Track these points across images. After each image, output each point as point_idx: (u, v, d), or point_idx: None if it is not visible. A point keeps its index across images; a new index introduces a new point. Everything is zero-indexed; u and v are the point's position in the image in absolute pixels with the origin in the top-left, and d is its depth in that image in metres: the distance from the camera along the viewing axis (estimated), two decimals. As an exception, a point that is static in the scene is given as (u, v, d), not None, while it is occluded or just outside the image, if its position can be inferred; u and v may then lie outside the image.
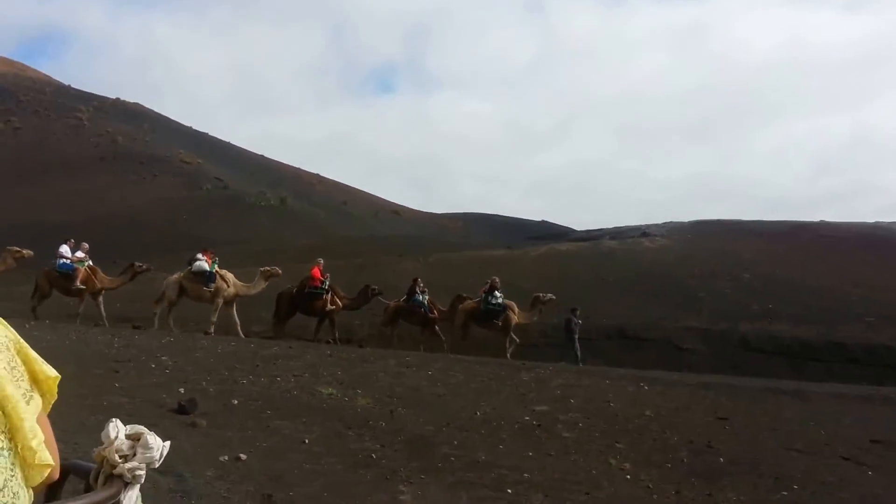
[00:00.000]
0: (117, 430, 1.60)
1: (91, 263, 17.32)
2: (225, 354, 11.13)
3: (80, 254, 17.35)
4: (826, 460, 7.33)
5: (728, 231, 49.39)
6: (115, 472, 1.55)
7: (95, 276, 17.15)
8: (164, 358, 9.84)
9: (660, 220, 58.55)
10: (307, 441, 6.91)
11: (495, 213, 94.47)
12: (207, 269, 16.82)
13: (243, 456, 6.08)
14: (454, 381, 10.47)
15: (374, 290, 18.59)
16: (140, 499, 1.59)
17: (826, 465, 7.15)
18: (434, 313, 18.62)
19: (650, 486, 6.37)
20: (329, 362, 11.38)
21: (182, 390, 8.24)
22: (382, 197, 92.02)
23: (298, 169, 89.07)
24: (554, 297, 18.56)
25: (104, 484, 1.55)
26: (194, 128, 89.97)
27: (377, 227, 68.20)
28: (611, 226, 65.49)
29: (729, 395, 10.52)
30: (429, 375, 10.78)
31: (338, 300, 18.11)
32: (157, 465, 1.61)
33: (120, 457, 1.56)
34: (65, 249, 17.32)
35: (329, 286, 17.95)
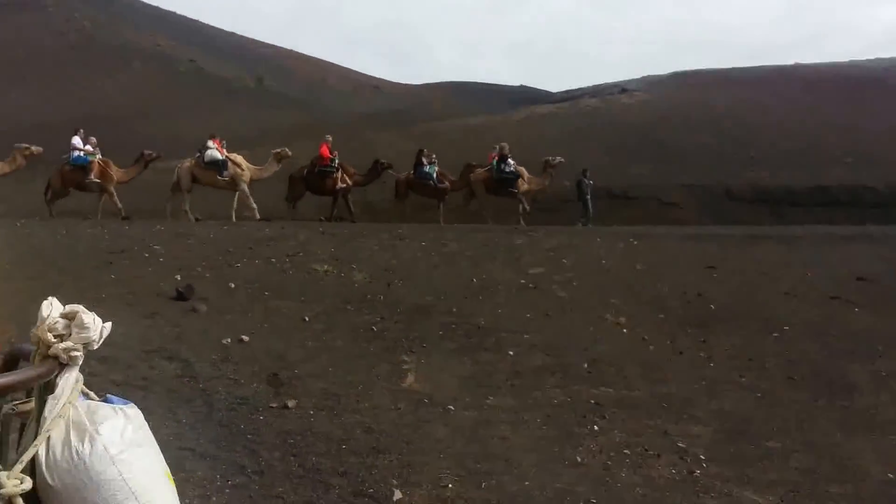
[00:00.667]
0: (51, 307, 1.48)
1: (101, 156, 16.66)
2: (217, 240, 11.10)
3: (88, 147, 16.59)
4: (814, 301, 7.53)
5: (706, 81, 48.51)
6: (50, 352, 1.43)
7: (109, 169, 16.53)
8: (156, 247, 9.80)
9: (637, 76, 57.34)
10: (307, 319, 7.00)
11: (475, 80, 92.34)
12: (220, 157, 16.41)
13: (246, 338, 6.17)
14: (448, 251, 10.53)
15: (384, 164, 18.27)
16: (80, 381, 1.50)
17: (814, 305, 7.35)
18: (445, 184, 18.45)
19: (645, 337, 6.54)
20: (322, 240, 11.39)
21: (178, 277, 8.25)
22: (361, 71, 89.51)
23: (273, 46, 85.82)
24: (563, 160, 18.34)
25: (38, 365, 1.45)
26: (161, 7, 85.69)
27: (358, 103, 66.72)
28: (589, 84, 64.26)
29: (716, 244, 10.66)
30: (423, 246, 10.83)
31: (348, 177, 17.93)
32: (95, 347, 1.49)
33: (55, 336, 1.44)
34: (77, 141, 16.48)
35: (339, 164, 17.68)
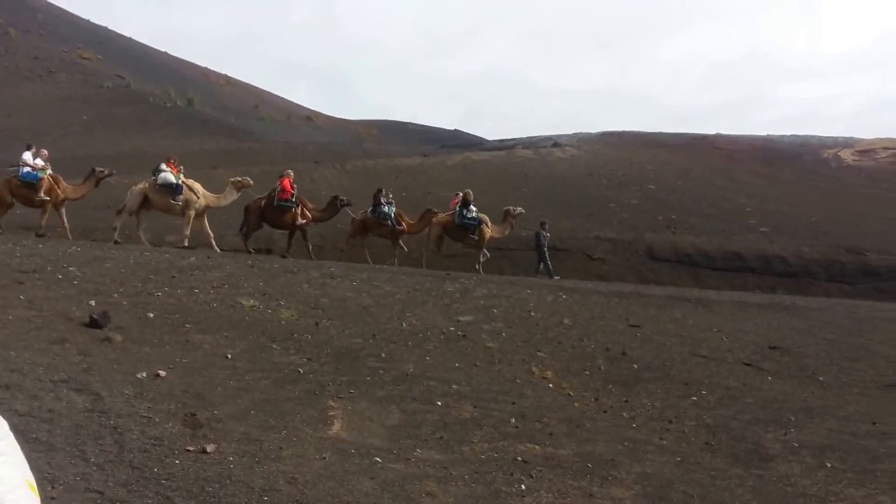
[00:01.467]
0: None
1: (51, 172, 15.91)
2: (137, 265, 10.68)
3: (39, 161, 15.89)
4: (729, 366, 7.75)
5: (633, 142, 50.44)
6: None
7: (58, 186, 15.80)
8: (71, 269, 9.35)
9: (569, 131, 59.36)
10: (230, 356, 6.77)
11: (409, 120, 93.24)
12: (174, 180, 15.83)
13: (162, 372, 5.91)
14: (380, 292, 10.42)
15: (343, 201, 18.00)
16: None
17: (730, 370, 7.57)
18: (402, 226, 18.29)
19: (571, 393, 6.59)
20: (250, 273, 11.11)
21: (93, 303, 7.88)
22: (295, 101, 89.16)
23: (205, 69, 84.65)
24: (524, 211, 18.47)
25: None
26: (92, 21, 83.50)
27: (291, 133, 66.26)
28: (522, 135, 66.01)
29: (639, 303, 10.91)
30: (354, 286, 10.69)
31: (308, 213, 17.59)
32: None
33: None
34: (28, 157, 15.78)
35: (297, 198, 17.34)
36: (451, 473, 4.40)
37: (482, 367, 7.34)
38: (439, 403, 5.78)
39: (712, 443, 5.44)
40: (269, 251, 19.53)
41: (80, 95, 51.98)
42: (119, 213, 15.99)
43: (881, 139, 45.16)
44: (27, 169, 15.58)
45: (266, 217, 17.35)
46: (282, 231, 18.01)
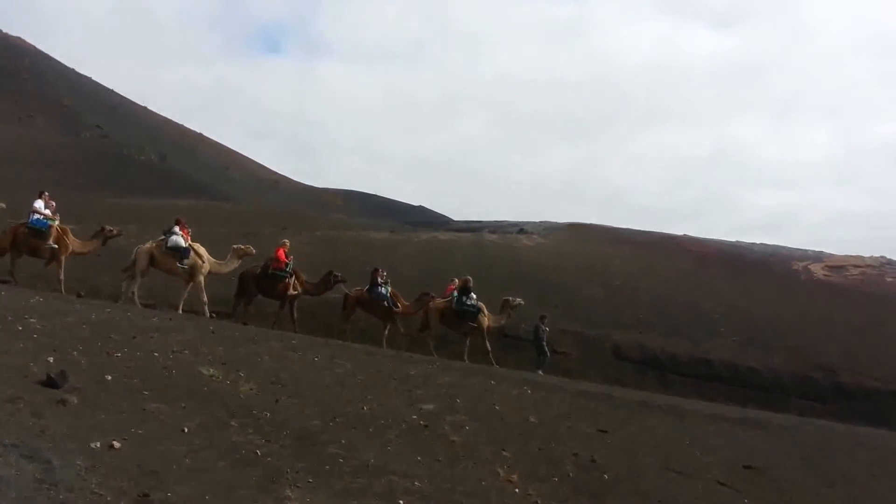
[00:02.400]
0: None
1: (59, 223, 15.81)
2: (99, 322, 10.41)
3: (47, 211, 15.76)
4: (704, 484, 7.67)
5: (599, 235, 51.35)
6: None
7: (67, 237, 15.63)
8: (31, 320, 9.06)
9: (534, 218, 60.43)
10: (186, 430, 6.52)
11: (375, 192, 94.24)
12: (184, 245, 15.88)
13: (117, 444, 5.65)
14: (341, 371, 10.26)
15: (337, 276, 17.99)
16: None
17: (705, 489, 7.49)
18: (398, 307, 18.10)
19: (538, 501, 6.44)
20: (211, 339, 10.88)
21: (51, 360, 7.60)
22: (263, 164, 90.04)
23: (181, 126, 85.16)
24: (522, 302, 18.41)
25: None
26: (77, 70, 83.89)
27: (257, 196, 66.54)
28: (486, 218, 67.24)
29: (608, 406, 10.87)
30: (314, 362, 10.52)
31: (300, 284, 17.48)
32: None
33: None
34: (40, 205, 15.63)
35: (292, 270, 17.31)
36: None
37: (445, 462, 7.17)
38: (401, 502, 5.60)
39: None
40: (227, 315, 19.23)
41: (56, 140, 51.70)
42: (129, 274, 15.87)
43: (851, 256, 46.47)
44: (38, 216, 15.40)
45: (260, 286, 17.23)
46: (274, 301, 17.89)
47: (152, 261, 15.88)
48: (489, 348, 17.32)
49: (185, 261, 15.74)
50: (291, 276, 17.26)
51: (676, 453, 8.80)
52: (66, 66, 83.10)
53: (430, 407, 9.21)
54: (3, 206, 15.75)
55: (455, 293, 17.77)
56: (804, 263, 44.40)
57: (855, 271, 43.46)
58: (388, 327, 17.90)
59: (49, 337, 8.52)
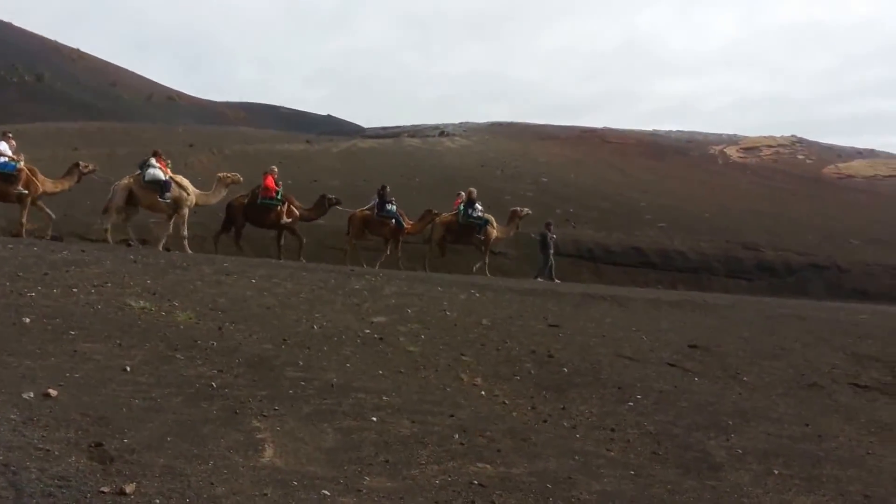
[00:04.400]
0: None
1: (24, 163, 14.53)
2: (3, 260, 9.51)
3: (9, 152, 14.44)
4: (655, 367, 7.72)
5: (522, 134, 51.32)
6: None
7: (36, 178, 14.45)
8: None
9: (451, 120, 59.78)
10: (129, 368, 6.00)
11: (278, 104, 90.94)
12: (163, 177, 14.82)
13: (53, 391, 5.11)
14: (282, 291, 9.77)
15: (332, 199, 17.18)
16: None
17: (657, 371, 7.53)
18: (405, 226, 17.41)
19: (506, 402, 6.30)
20: (134, 269, 10.15)
21: (-42, 308, 6.84)
22: (155, 80, 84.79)
23: (56, 42, 78.67)
24: (530, 212, 18.06)
25: None
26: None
27: (153, 114, 62.91)
28: (400, 123, 66.07)
29: (554, 301, 10.83)
30: (253, 284, 9.98)
31: (294, 210, 16.67)
32: None
33: None
34: (4, 147, 14.30)
35: (283, 196, 16.49)
36: (410, 505, 3.97)
37: (408, 374, 6.92)
38: (374, 419, 5.32)
39: (659, 452, 5.29)
40: (143, 241, 18.18)
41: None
42: (106, 211, 15.02)
43: (764, 137, 48.22)
44: (3, 159, 14.22)
45: (249, 216, 16.46)
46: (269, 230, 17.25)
47: (131, 197, 14.98)
48: (486, 261, 17.19)
49: (167, 194, 14.86)
50: (283, 203, 16.49)
51: (625, 340, 8.85)
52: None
53: (382, 319, 8.91)
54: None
55: (461, 206, 17.32)
56: (720, 147, 45.82)
57: (768, 151, 45.19)
58: (395, 247, 17.43)
59: (-48, 282, 7.68)
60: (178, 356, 6.49)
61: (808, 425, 6.00)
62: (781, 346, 9.14)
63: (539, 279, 17.07)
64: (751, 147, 46.08)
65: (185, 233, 15.14)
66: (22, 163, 14.50)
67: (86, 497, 3.56)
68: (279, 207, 16.42)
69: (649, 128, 54.08)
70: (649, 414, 6.06)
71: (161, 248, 14.66)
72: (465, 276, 14.73)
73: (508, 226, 18.04)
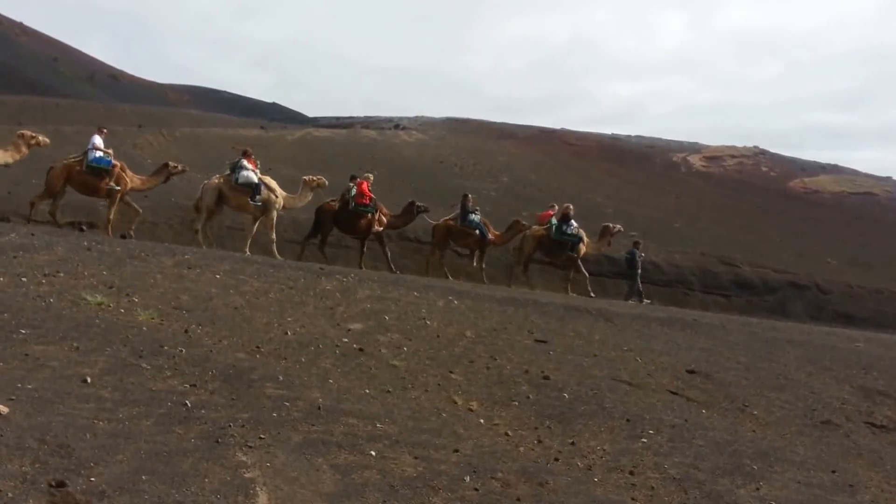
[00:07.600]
0: None
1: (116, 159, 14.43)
2: (-59, 243, 8.60)
3: (101, 145, 14.19)
4: (658, 395, 7.32)
5: (479, 131, 50.92)
6: None
7: (125, 174, 14.29)
8: None
9: (404, 113, 59.20)
10: (89, 380, 5.30)
11: (220, 87, 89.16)
12: (256, 180, 14.51)
13: (3, 409, 4.41)
14: (249, 289, 9.07)
15: (420, 207, 16.56)
16: None
17: (661, 401, 7.12)
18: (490, 237, 16.64)
19: (509, 433, 5.79)
20: (89, 258, 9.32)
21: None
22: (97, 57, 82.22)
23: (-2, 15, 75.16)
24: (622, 229, 17.53)
25: None
26: None
27: (96, 93, 60.76)
28: (343, 113, 65.60)
29: (538, 313, 10.36)
30: (217, 280, 9.25)
31: (384, 218, 16.12)
32: None
33: None
34: (99, 141, 14.02)
35: (375, 204, 15.98)
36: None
37: (396, 394, 6.37)
38: (373, 453, 4.76)
39: (689, 502, 4.86)
40: (91, 225, 17.14)
41: None
42: (197, 210, 14.84)
43: (726, 146, 48.45)
44: (99, 154, 13.97)
45: (339, 221, 15.85)
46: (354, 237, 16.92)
47: (220, 197, 14.67)
48: (587, 275, 16.85)
49: (258, 197, 14.52)
50: (375, 211, 15.88)
51: (619, 362, 8.44)
52: None
53: (359, 326, 8.31)
54: (48, 141, 14.47)
55: (553, 220, 16.64)
56: (682, 154, 45.97)
57: (732, 162, 45.55)
58: (481, 259, 16.77)
59: None
60: (143, 365, 5.80)
61: (834, 472, 5.65)
62: (784, 375, 8.85)
63: (630, 301, 16.68)
64: (713, 156, 46.35)
65: (273, 236, 14.72)
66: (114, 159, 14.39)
67: (51, 563, 2.92)
68: (371, 215, 15.84)
69: (603, 128, 54.41)
70: (667, 454, 5.63)
71: (110, 233, 13.83)
72: (438, 280, 14.18)
73: (599, 241, 17.53)
